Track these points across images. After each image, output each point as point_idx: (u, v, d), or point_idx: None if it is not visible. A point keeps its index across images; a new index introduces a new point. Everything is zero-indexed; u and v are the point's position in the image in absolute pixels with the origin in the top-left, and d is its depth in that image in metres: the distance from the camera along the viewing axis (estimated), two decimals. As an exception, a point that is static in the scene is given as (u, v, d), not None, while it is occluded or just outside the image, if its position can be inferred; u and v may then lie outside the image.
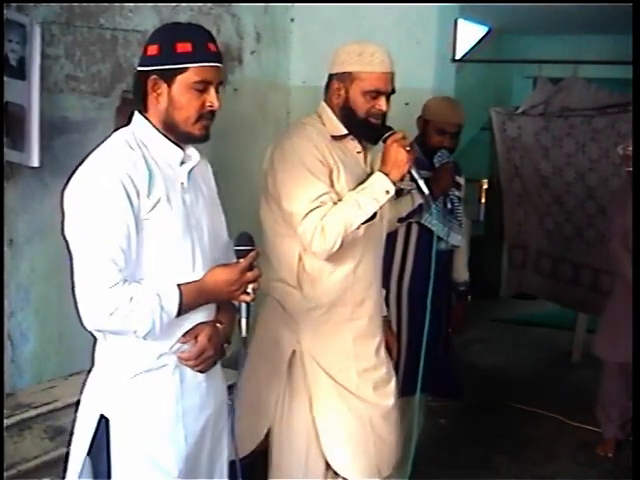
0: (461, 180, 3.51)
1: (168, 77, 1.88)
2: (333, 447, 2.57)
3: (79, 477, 1.93)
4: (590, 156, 5.07)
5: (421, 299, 3.27)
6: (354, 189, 2.43)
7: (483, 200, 7.99)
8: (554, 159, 5.28)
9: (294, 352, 2.55)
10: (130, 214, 1.81)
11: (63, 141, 3.06)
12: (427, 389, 3.17)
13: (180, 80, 1.87)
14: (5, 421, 2.70)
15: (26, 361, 3.07)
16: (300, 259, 2.49)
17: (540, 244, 5.63)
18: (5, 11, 2.62)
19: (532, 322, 6.93)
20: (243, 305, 2.00)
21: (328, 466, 2.63)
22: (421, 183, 2.49)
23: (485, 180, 7.82)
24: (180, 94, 1.88)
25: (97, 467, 1.92)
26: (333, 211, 2.35)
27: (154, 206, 1.85)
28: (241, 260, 1.96)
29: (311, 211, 2.34)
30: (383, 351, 2.71)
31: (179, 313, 1.88)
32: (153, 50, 1.89)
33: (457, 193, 3.39)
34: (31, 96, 2.76)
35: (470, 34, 6.61)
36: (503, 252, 6.10)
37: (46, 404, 2.89)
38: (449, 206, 3.34)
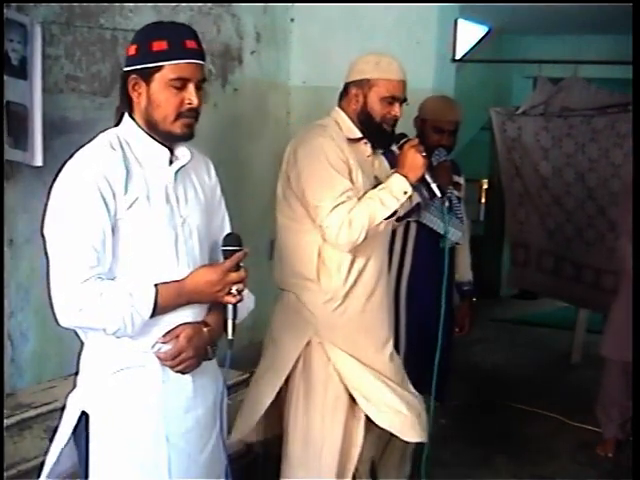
0: (461, 180, 3.50)
1: (146, 76, 1.89)
2: (376, 412, 2.68)
3: (52, 466, 1.97)
4: (590, 156, 5.07)
5: (419, 298, 3.29)
6: (372, 189, 2.57)
7: (483, 200, 7.99)
8: (554, 159, 5.27)
9: (309, 342, 2.65)
10: (105, 215, 1.82)
11: (63, 141, 3.05)
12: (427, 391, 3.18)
13: (157, 78, 1.88)
14: (5, 421, 2.70)
15: (26, 361, 3.07)
16: (319, 254, 2.60)
17: (541, 243, 5.63)
18: (5, 11, 2.63)
19: (532, 322, 6.93)
20: (229, 307, 1.95)
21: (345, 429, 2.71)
22: (434, 186, 2.67)
23: (485, 180, 7.82)
24: (158, 92, 1.89)
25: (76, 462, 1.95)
26: (359, 206, 2.49)
27: (131, 205, 1.85)
28: (226, 261, 1.94)
29: (338, 205, 2.48)
30: (391, 344, 2.82)
31: (154, 313, 1.85)
32: (132, 50, 1.92)
33: (456, 192, 3.38)
34: (33, 95, 2.77)
35: (470, 34, 6.59)
36: (503, 252, 6.08)
37: (46, 404, 2.88)
38: (447, 204, 3.34)
